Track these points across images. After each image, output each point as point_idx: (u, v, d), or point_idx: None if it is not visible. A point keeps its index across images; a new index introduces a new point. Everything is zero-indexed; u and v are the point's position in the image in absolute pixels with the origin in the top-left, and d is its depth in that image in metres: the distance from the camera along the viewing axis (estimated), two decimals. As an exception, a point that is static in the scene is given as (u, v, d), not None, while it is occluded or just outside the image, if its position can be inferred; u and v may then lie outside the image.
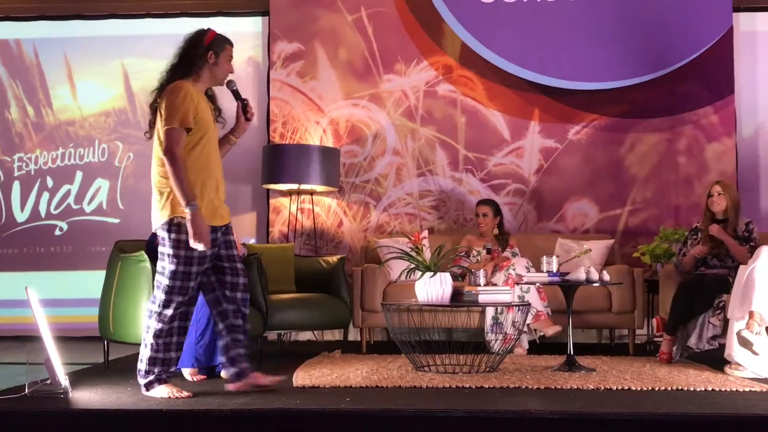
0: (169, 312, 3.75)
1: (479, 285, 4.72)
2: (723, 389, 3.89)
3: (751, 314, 4.27)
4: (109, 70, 7.16)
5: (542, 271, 4.85)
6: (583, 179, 6.66)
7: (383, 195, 6.78)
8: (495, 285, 5.32)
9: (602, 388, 3.94)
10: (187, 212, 3.63)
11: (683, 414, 3.31)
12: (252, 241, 6.73)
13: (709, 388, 3.90)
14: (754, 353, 4.23)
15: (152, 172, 3.82)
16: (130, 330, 4.58)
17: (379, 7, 6.84)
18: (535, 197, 6.69)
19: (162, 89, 3.82)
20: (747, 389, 3.89)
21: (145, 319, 3.83)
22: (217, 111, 3.98)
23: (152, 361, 3.78)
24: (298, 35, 6.88)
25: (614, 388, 3.92)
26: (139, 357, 3.83)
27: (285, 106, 6.85)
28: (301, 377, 4.28)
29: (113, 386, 4.07)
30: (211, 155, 3.82)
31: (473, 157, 6.73)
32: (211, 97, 3.97)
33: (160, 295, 3.74)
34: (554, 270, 4.79)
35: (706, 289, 4.85)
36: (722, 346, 4.58)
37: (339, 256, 5.91)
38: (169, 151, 3.66)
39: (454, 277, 5.42)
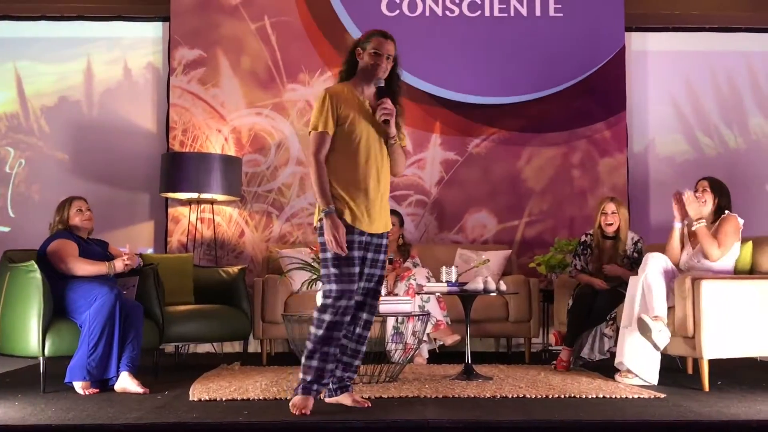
0: (338, 317, 3.60)
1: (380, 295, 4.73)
2: (613, 396, 4.01)
3: (656, 318, 4.40)
4: (0, 74, 6.89)
5: (442, 281, 4.92)
6: (483, 191, 6.79)
7: (286, 205, 6.74)
8: (396, 295, 5.37)
9: (498, 396, 4.01)
10: (323, 216, 3.57)
11: (575, 421, 3.41)
12: (149, 251, 6.59)
13: (600, 395, 4.02)
14: (653, 343, 4.34)
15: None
16: (19, 343, 4.39)
17: (283, 17, 6.82)
18: (437, 208, 6.78)
19: None
20: (636, 396, 4.03)
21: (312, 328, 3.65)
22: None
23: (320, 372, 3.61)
24: (200, 42, 6.79)
25: (510, 396, 4.00)
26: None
27: (185, 113, 6.73)
28: (198, 390, 4.20)
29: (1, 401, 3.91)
30: (364, 153, 3.65)
31: (376, 168, 6.76)
32: (378, 92, 3.71)
33: (326, 301, 3.61)
34: (453, 280, 4.87)
35: (601, 302, 5.02)
36: (614, 355, 4.73)
37: (240, 267, 5.84)
38: (311, 155, 3.64)
39: (356, 288, 5.43)
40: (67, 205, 4.72)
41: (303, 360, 3.63)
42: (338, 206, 3.60)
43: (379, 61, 3.71)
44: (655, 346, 4.38)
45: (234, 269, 5.80)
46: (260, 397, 3.98)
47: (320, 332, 3.58)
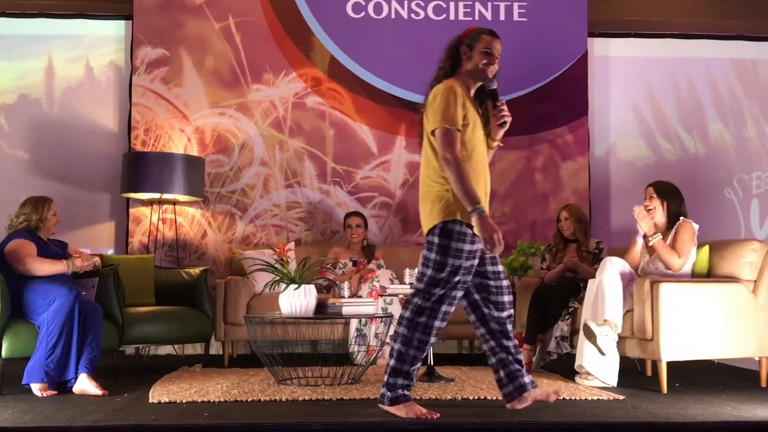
0: (437, 322, 3.52)
1: (343, 297, 4.74)
2: (573, 398, 4.05)
3: (605, 322, 4.46)
4: (-42, 70, 6.78)
5: (406, 283, 4.92)
6: (447, 194, 6.80)
7: (250, 206, 6.70)
8: (360, 297, 5.36)
9: (459, 398, 4.03)
10: (473, 217, 3.35)
11: (535, 422, 3.43)
12: (110, 251, 6.51)
13: (561, 397, 4.05)
14: (598, 348, 4.40)
15: (421, 175, 3.59)
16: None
17: (248, 17, 6.79)
18: (401, 210, 6.79)
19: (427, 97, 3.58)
20: (595, 398, 4.07)
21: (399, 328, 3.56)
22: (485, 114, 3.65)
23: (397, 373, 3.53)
24: (163, 41, 6.72)
25: (471, 398, 4.02)
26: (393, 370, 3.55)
27: (148, 112, 6.67)
28: (158, 392, 4.16)
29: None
30: (479, 160, 3.55)
31: (341, 169, 6.76)
32: (493, 94, 3.63)
33: (425, 304, 3.51)
34: (417, 282, 4.87)
35: (558, 296, 5.09)
36: (575, 356, 4.77)
37: (202, 268, 5.79)
38: (445, 154, 3.39)
39: (320, 290, 5.43)
40: (46, 205, 4.67)
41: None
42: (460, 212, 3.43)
43: (491, 60, 3.61)
44: (600, 351, 4.42)
45: (196, 270, 5.76)
46: (221, 400, 3.95)
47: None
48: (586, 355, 4.55)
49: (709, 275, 4.72)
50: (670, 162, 7.08)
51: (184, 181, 6.15)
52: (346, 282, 5.01)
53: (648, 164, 7.07)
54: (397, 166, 6.82)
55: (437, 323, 3.54)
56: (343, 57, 6.80)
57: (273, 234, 6.67)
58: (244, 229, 6.67)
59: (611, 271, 4.54)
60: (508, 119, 3.60)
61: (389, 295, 5.23)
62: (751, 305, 4.50)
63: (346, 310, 4.58)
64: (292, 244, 6.14)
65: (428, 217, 3.52)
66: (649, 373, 5.07)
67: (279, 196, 6.72)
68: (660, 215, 4.75)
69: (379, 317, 4.86)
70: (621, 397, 4.08)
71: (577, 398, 4.05)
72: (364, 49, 6.84)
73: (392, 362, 3.53)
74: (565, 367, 4.97)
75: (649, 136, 7.14)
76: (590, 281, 4.69)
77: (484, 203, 3.49)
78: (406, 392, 3.52)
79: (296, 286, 4.50)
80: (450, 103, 3.46)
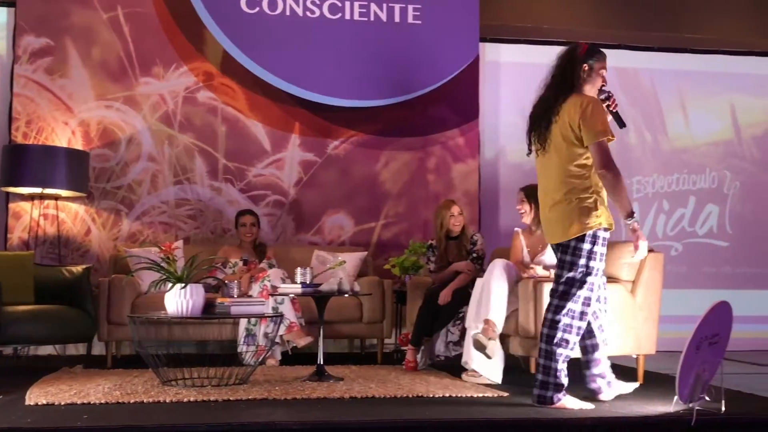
0: (584, 323, 3.80)
1: (232, 296, 4.67)
2: (459, 395, 4.12)
3: (486, 321, 4.57)
4: None
5: (297, 283, 4.89)
6: (341, 193, 6.82)
7: (137, 202, 6.52)
8: (250, 296, 5.30)
9: (348, 396, 4.03)
10: (629, 223, 3.72)
11: (421, 420, 3.47)
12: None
13: (447, 395, 4.12)
14: (487, 356, 4.54)
15: (554, 183, 3.86)
16: None
17: (137, 8, 6.59)
18: (294, 209, 6.75)
19: (548, 107, 3.85)
20: (480, 395, 4.15)
21: (551, 330, 3.79)
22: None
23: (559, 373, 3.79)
24: (48, 30, 6.46)
25: (359, 397, 4.03)
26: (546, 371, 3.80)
27: (30, 104, 6.39)
28: (36, 394, 3.99)
29: None
30: None
31: (233, 166, 6.66)
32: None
33: (577, 307, 3.77)
34: (308, 281, 4.85)
35: (449, 303, 5.16)
36: (461, 355, 4.86)
37: (84, 266, 5.59)
38: (607, 165, 3.67)
39: (209, 289, 5.34)
40: None
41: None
42: (607, 218, 3.81)
43: (605, 83, 3.90)
44: (488, 357, 4.56)
45: (78, 268, 5.56)
46: (102, 401, 3.83)
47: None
48: (472, 353, 4.64)
49: (590, 275, 4.89)
50: (557, 166, 7.29)
51: (67, 175, 5.93)
52: (236, 281, 4.94)
53: (534, 168, 7.22)
54: (290, 164, 6.77)
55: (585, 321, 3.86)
56: (236, 52, 6.71)
57: (161, 232, 6.51)
58: (131, 227, 6.48)
59: (498, 272, 4.66)
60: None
61: (280, 295, 5.19)
62: (630, 305, 4.69)
63: (234, 310, 4.51)
64: (180, 242, 6.00)
65: (576, 226, 3.78)
66: (533, 370, 5.18)
67: (168, 192, 6.56)
68: (530, 217, 4.98)
69: (269, 317, 4.81)
70: (505, 394, 4.18)
71: (463, 396, 4.12)
72: (258, 45, 6.76)
73: (542, 362, 3.82)
74: (452, 365, 5.05)
75: (537, 140, 7.33)
76: (477, 281, 4.79)
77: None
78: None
79: (183, 285, 4.40)
80: (603, 115, 3.79)
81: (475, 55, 7.03)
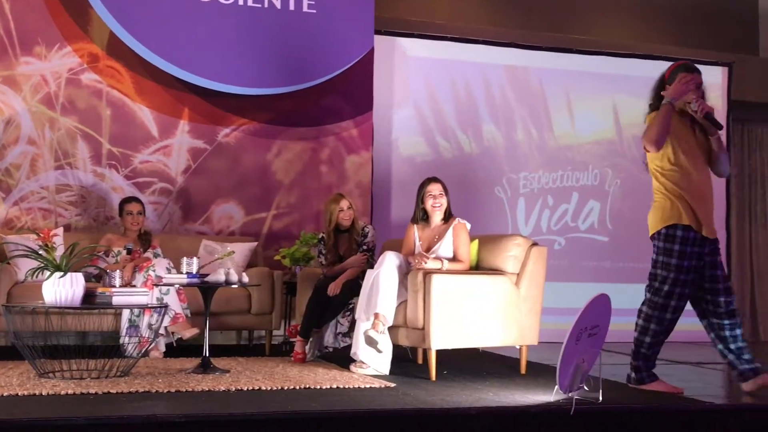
0: (669, 315, 4.15)
1: (114, 286, 4.52)
2: (347, 386, 4.12)
3: (376, 315, 4.59)
4: None
5: (183, 273, 4.77)
6: (231, 182, 6.70)
7: (14, 187, 6.21)
8: (134, 286, 5.14)
9: (233, 389, 3.97)
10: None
11: (307, 411, 3.45)
12: None
13: (335, 386, 4.12)
14: (378, 351, 4.57)
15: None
16: None
17: (18, -17, 6.28)
18: (182, 197, 6.59)
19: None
20: (368, 386, 4.17)
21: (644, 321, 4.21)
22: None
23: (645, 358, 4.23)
24: None
25: (245, 389, 3.97)
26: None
27: None
28: None
29: None
30: (692, 169, 4.16)
31: (118, 152, 6.44)
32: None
33: (661, 301, 4.15)
34: (194, 271, 4.74)
35: (339, 294, 5.15)
36: (350, 346, 4.87)
37: (-45, 253, 5.30)
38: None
39: (90, 278, 5.16)
40: None
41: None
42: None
43: (684, 89, 4.25)
44: (379, 351, 4.59)
45: (-52, 255, 5.26)
46: (-29, 396, 3.63)
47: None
48: (360, 345, 4.65)
49: (477, 267, 4.99)
50: (447, 159, 7.41)
51: (-63, 157, 5.59)
52: (118, 271, 4.79)
53: (426, 161, 7.35)
54: (178, 151, 6.60)
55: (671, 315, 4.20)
56: (123, 34, 6.48)
57: (40, 218, 6.24)
58: (8, 212, 6.18)
59: (389, 265, 4.68)
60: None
61: (165, 285, 5.06)
62: (514, 297, 4.80)
63: (116, 300, 4.37)
64: (60, 230, 5.76)
65: (658, 220, 4.23)
66: (420, 361, 5.27)
67: (48, 177, 6.29)
68: (441, 211, 4.99)
69: (152, 307, 4.68)
70: (392, 385, 4.21)
71: (351, 386, 4.12)
72: (147, 27, 6.55)
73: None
74: (341, 357, 5.05)
75: (429, 134, 7.43)
76: (368, 272, 4.80)
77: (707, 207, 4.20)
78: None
79: (62, 274, 4.23)
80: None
81: (370, 47, 7.04)
